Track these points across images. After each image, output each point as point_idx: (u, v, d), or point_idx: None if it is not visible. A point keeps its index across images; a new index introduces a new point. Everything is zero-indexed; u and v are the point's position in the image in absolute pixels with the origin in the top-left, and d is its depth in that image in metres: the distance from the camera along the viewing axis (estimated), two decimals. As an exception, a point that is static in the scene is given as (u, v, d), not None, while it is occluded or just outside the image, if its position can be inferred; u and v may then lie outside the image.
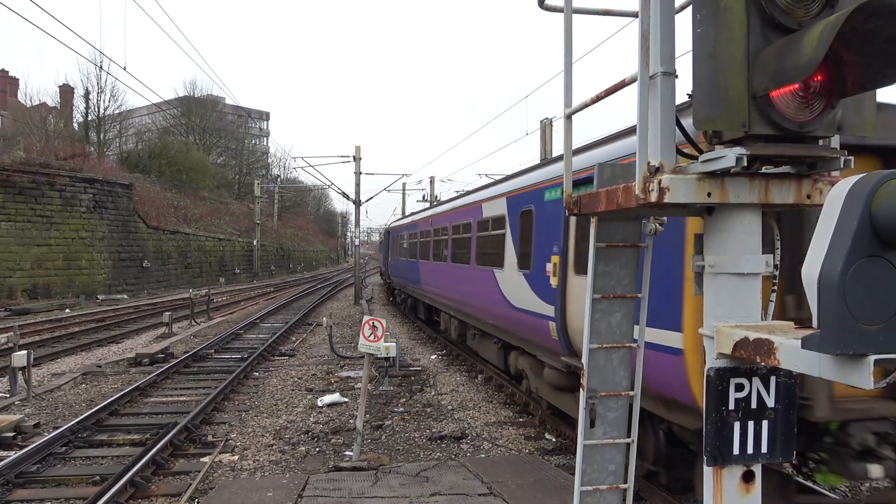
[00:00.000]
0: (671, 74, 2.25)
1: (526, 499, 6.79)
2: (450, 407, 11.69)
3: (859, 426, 5.17)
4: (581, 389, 3.26)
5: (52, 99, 57.64)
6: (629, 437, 3.39)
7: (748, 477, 2.27)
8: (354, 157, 35.34)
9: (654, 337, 5.84)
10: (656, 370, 5.81)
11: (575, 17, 3.13)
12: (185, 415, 10.30)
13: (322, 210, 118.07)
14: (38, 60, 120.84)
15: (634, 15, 2.95)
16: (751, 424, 2.23)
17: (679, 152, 2.34)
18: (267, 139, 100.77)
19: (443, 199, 33.34)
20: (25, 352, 12.12)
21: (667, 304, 5.78)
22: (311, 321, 25.55)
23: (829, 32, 1.82)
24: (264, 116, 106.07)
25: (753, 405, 2.24)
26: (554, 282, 8.54)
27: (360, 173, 35.30)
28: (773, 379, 2.25)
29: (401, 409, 11.44)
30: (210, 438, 9.56)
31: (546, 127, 25.24)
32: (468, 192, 16.84)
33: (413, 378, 14.11)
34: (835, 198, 1.75)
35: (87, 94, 54.45)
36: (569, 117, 3.19)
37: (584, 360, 3.24)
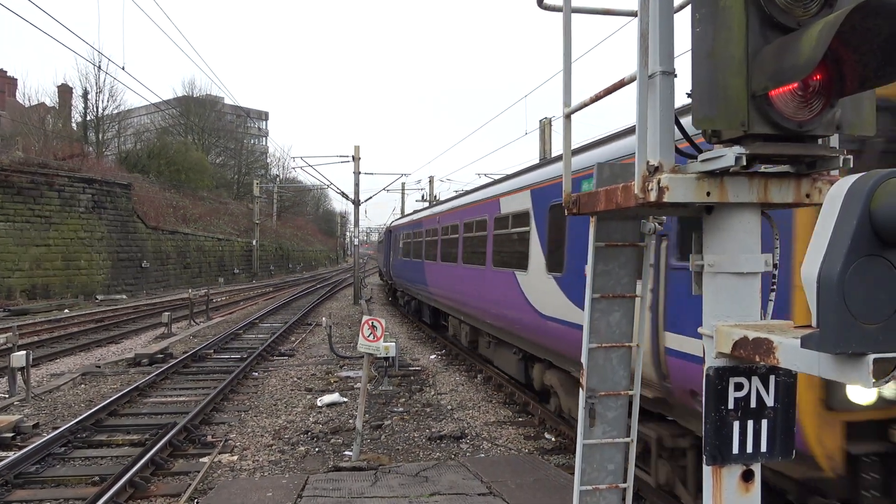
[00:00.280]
0: (670, 74, 2.25)
1: (525, 498, 6.79)
2: (449, 406, 11.69)
3: None
4: (580, 389, 3.26)
5: (50, 99, 57.63)
6: (629, 436, 3.40)
7: (747, 476, 2.27)
8: (353, 157, 35.35)
9: None
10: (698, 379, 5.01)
11: (574, 16, 3.12)
12: (185, 415, 10.29)
13: (321, 210, 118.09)
14: (36, 60, 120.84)
15: (633, 14, 2.95)
16: (750, 424, 2.24)
17: (678, 152, 2.35)
18: (266, 139, 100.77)
19: (442, 198, 32.93)
20: (24, 352, 12.12)
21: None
22: (311, 321, 25.55)
23: (828, 31, 1.82)
24: (263, 116, 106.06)
25: (753, 404, 2.24)
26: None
27: (360, 173, 35.31)
28: (772, 378, 2.25)
29: (400, 409, 11.44)
30: (209, 439, 9.56)
31: (545, 126, 25.24)
32: (482, 187, 15.11)
33: (412, 378, 14.11)
34: (834, 197, 1.75)
35: (85, 94, 54.47)
36: (568, 117, 3.19)
37: (584, 359, 3.24)
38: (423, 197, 50.92)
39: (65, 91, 56.14)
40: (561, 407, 9.47)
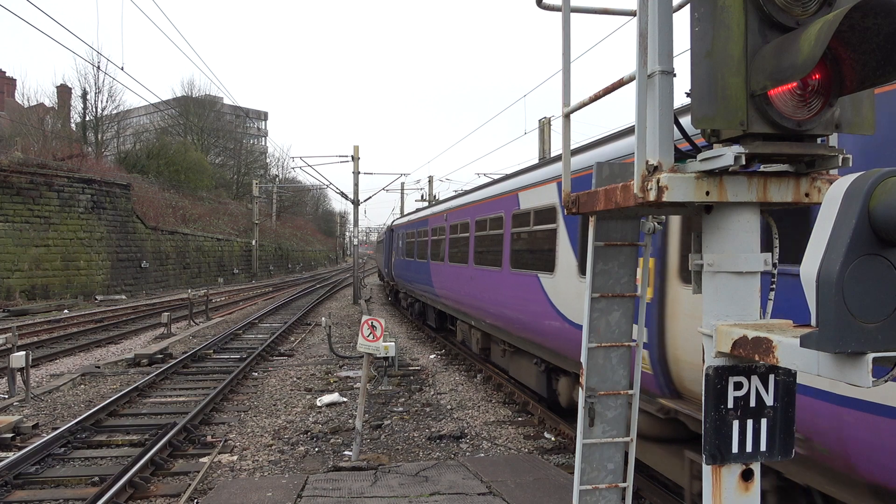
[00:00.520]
0: (669, 73, 2.25)
1: (525, 498, 6.79)
2: (449, 406, 11.69)
3: None
4: (580, 388, 3.26)
5: (49, 99, 57.60)
6: (628, 436, 3.40)
7: (747, 475, 2.27)
8: (353, 157, 35.35)
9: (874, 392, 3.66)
10: (878, 443, 3.78)
11: (573, 15, 3.12)
12: (184, 415, 10.29)
13: (320, 210, 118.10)
14: (35, 61, 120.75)
15: (632, 14, 2.95)
16: (750, 423, 2.24)
17: (678, 151, 2.35)
18: (265, 139, 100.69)
19: (441, 198, 32.54)
20: (24, 352, 12.11)
21: None
22: (310, 321, 25.55)
23: (827, 30, 1.82)
24: (262, 116, 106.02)
25: (752, 403, 2.24)
26: (647, 294, 6.15)
27: (359, 173, 35.30)
28: (771, 377, 2.25)
29: (400, 409, 11.44)
30: (209, 439, 9.55)
31: (545, 126, 25.23)
32: (496, 181, 13.54)
33: (412, 377, 14.11)
34: (833, 196, 1.75)
35: (84, 95, 54.42)
36: (567, 116, 3.19)
37: (583, 358, 3.24)
38: (422, 197, 50.94)
39: (64, 91, 56.11)
40: None
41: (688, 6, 2.27)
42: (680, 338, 5.87)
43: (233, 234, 59.10)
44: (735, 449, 2.22)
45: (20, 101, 58.23)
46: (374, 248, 66.56)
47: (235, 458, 8.81)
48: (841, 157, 2.23)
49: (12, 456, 8.23)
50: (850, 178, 1.74)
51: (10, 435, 9.46)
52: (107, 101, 55.63)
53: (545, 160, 10.39)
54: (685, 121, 2.27)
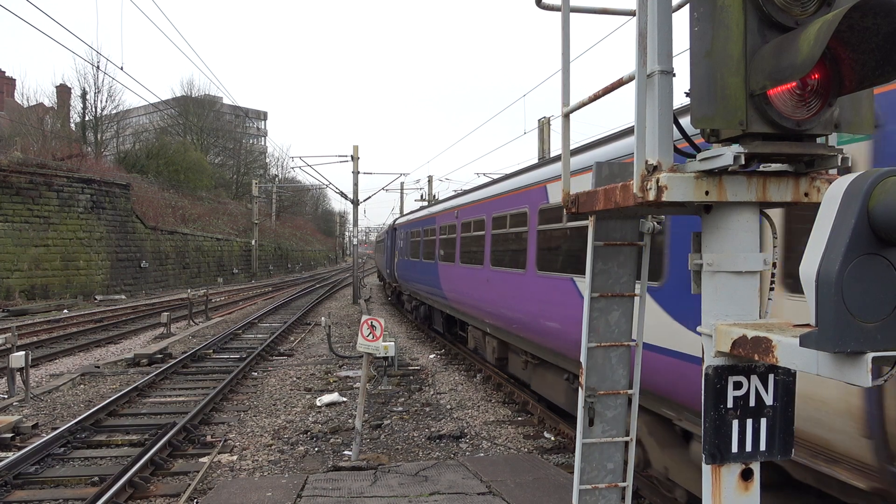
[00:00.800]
0: (669, 73, 2.25)
1: (525, 497, 6.79)
2: (448, 406, 11.69)
3: None
4: (579, 388, 3.26)
5: (49, 99, 57.60)
6: (628, 435, 3.40)
7: (747, 475, 2.27)
8: (352, 157, 35.35)
9: None
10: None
11: (572, 15, 3.12)
12: (184, 415, 10.29)
13: (320, 210, 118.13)
14: (34, 60, 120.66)
15: (632, 13, 2.95)
16: (749, 422, 2.24)
17: (677, 151, 2.35)
18: (265, 139, 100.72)
19: (440, 197, 31.94)
20: (23, 352, 12.11)
21: None
22: (310, 321, 25.55)
23: (826, 30, 1.82)
24: (262, 116, 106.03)
25: (752, 403, 2.24)
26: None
27: (358, 173, 35.30)
28: (771, 377, 2.25)
29: (400, 409, 11.44)
30: (209, 438, 9.55)
31: (544, 125, 25.23)
32: (517, 172, 11.90)
33: (412, 377, 14.11)
34: (832, 196, 1.75)
35: (84, 95, 54.42)
36: (567, 116, 3.19)
37: (583, 358, 3.24)
38: (421, 196, 50.94)
39: (63, 91, 56.09)
40: (650, 462, 6.82)
41: (687, 6, 2.28)
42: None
43: (232, 233, 59.10)
44: (735, 448, 2.23)
45: (20, 101, 58.21)
46: (373, 248, 65.99)
47: (235, 457, 8.81)
48: (840, 156, 2.23)
49: (12, 456, 8.23)
50: (850, 177, 1.74)
51: (10, 435, 9.46)
52: (106, 101, 55.69)
53: (582, 146, 9.01)
54: (685, 121, 2.27)
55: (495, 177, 18.10)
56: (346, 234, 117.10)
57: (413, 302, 23.52)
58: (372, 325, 8.67)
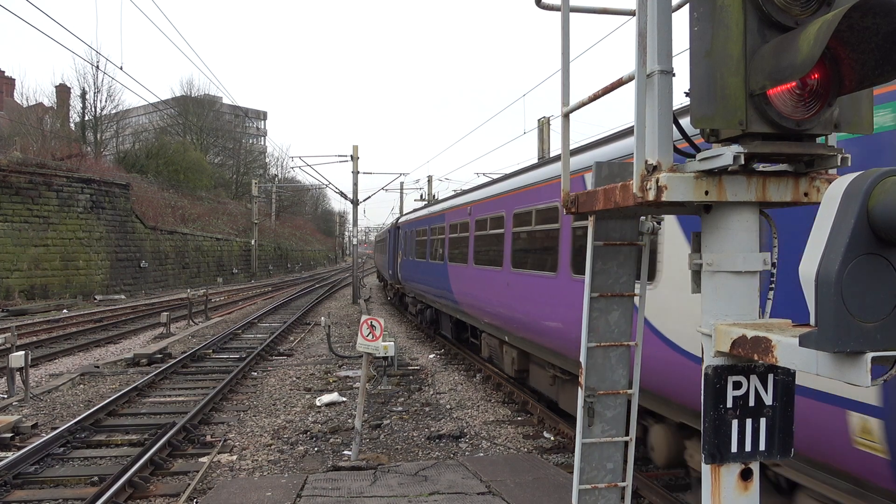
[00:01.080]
0: (668, 73, 2.24)
1: (525, 497, 6.79)
2: (448, 406, 11.69)
3: None
4: (579, 388, 3.26)
5: (48, 99, 57.64)
6: (627, 435, 3.40)
7: (746, 475, 2.27)
8: (352, 157, 35.35)
9: None
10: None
11: (572, 15, 3.12)
12: (184, 415, 10.29)
13: (320, 209, 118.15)
14: (34, 60, 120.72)
15: (631, 13, 2.95)
16: (749, 422, 2.24)
17: (677, 151, 2.35)
18: (264, 139, 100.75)
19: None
20: (23, 352, 12.10)
21: None
22: (310, 321, 25.55)
23: (825, 30, 1.82)
24: (261, 116, 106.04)
25: (751, 403, 2.24)
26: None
27: (358, 172, 35.30)
28: (770, 377, 2.25)
29: (399, 409, 11.44)
30: (208, 438, 9.55)
31: (544, 125, 25.23)
32: (545, 162, 10.60)
33: (411, 377, 14.11)
34: (832, 196, 1.75)
35: (83, 94, 54.45)
36: (566, 116, 3.19)
37: (583, 358, 3.24)
38: (421, 196, 50.89)
39: (63, 91, 56.10)
40: None
41: (687, 6, 2.27)
42: None
43: (232, 233, 59.10)
44: (734, 448, 2.22)
45: (19, 101, 58.22)
46: (373, 247, 65.59)
47: (235, 457, 8.81)
48: (840, 156, 2.23)
49: (11, 456, 8.22)
50: (849, 177, 1.74)
51: (10, 435, 9.45)
52: (106, 101, 55.72)
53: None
54: (685, 121, 2.27)
55: (512, 169, 15.69)
56: (346, 233, 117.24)
57: (418, 305, 22.13)
58: (371, 325, 8.66)
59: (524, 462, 8.13)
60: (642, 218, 3.25)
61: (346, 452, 8.84)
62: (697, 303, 2.29)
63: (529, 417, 10.87)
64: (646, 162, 2.27)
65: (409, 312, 24.72)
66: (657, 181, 2.21)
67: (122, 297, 35.99)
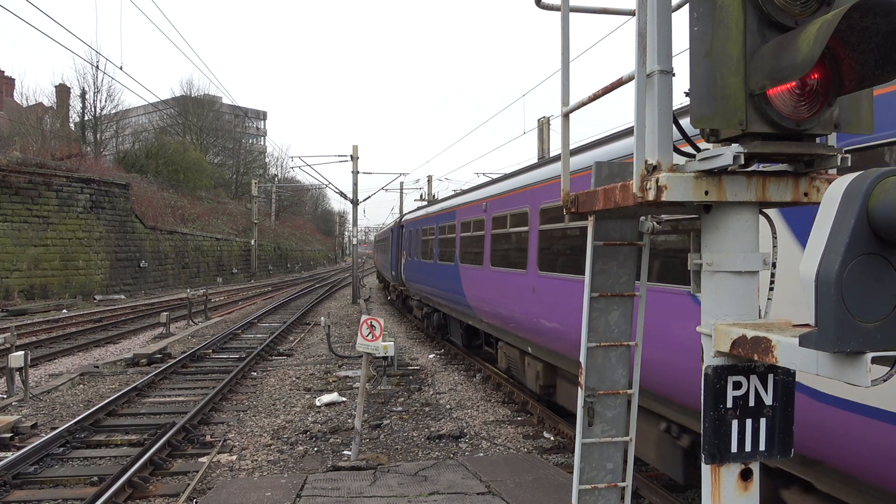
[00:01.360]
0: (668, 73, 2.24)
1: (524, 497, 6.79)
2: (448, 406, 11.69)
3: None
4: (579, 388, 3.26)
5: (48, 99, 57.69)
6: (627, 435, 3.40)
7: (746, 475, 2.27)
8: (352, 157, 35.34)
9: None
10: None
11: (572, 15, 3.12)
12: (183, 415, 10.28)
13: (319, 209, 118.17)
14: (34, 60, 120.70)
15: (631, 13, 2.95)
16: (749, 422, 2.24)
17: (677, 151, 2.35)
18: (264, 138, 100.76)
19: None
20: (23, 352, 12.10)
21: None
22: (309, 321, 25.54)
23: (825, 30, 1.82)
24: (261, 116, 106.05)
25: (751, 403, 2.24)
26: None
27: (358, 172, 35.28)
28: (770, 377, 2.25)
29: (399, 409, 11.44)
30: (208, 438, 9.55)
31: (544, 125, 25.23)
32: (583, 148, 8.41)
33: (411, 377, 14.11)
34: (832, 196, 1.75)
35: (83, 94, 54.46)
36: (566, 116, 3.19)
37: (582, 358, 3.24)
38: (421, 196, 50.88)
39: (63, 91, 56.11)
40: None
41: (687, 6, 2.27)
42: None
43: (232, 233, 59.09)
44: (734, 448, 2.22)
45: (19, 101, 58.23)
46: (373, 247, 65.29)
47: (234, 457, 8.80)
48: (840, 156, 2.23)
49: (11, 456, 8.22)
50: (849, 177, 1.74)
51: (9, 435, 9.45)
52: (105, 101, 55.73)
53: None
54: (685, 121, 2.27)
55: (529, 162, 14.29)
56: (346, 233, 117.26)
57: (424, 308, 20.67)
58: (371, 325, 8.66)
59: (524, 462, 8.13)
60: (642, 218, 3.25)
61: (345, 452, 8.83)
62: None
63: (529, 417, 10.87)
64: (646, 162, 2.27)
65: (414, 317, 23.41)
66: (657, 181, 2.21)
67: (122, 297, 35.99)
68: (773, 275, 2.43)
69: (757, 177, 2.25)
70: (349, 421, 10.31)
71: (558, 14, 3.12)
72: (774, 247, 2.42)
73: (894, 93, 3.76)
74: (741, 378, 2.24)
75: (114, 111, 57.71)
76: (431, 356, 17.12)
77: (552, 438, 9.70)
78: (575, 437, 3.34)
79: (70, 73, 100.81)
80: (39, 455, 8.49)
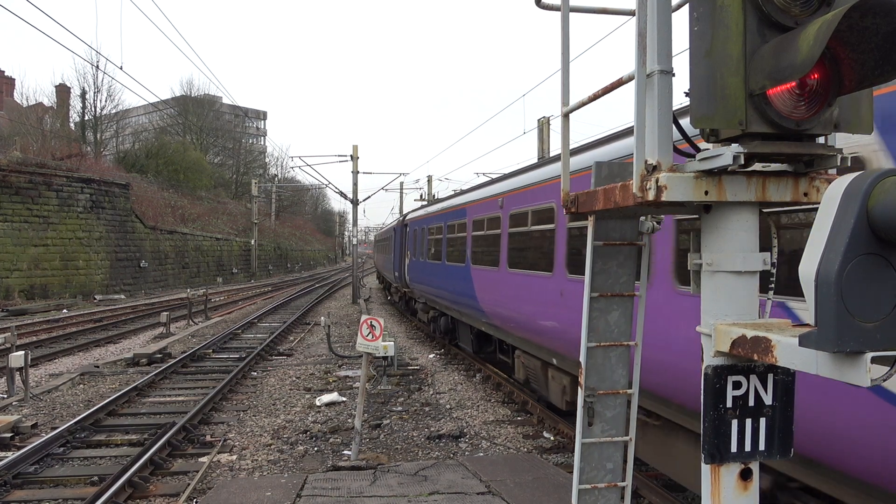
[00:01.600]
0: (668, 73, 2.24)
1: (524, 497, 6.79)
2: (448, 406, 11.69)
3: None
4: (579, 388, 3.26)
5: (48, 99, 57.69)
6: (627, 435, 3.40)
7: (746, 475, 2.27)
8: (352, 157, 35.34)
9: None
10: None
11: (572, 15, 3.12)
12: (183, 415, 10.29)
13: (319, 209, 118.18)
14: (34, 60, 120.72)
15: (631, 13, 2.95)
16: (748, 422, 2.24)
17: (677, 151, 2.35)
18: (264, 138, 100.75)
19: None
20: (23, 352, 12.10)
21: None
22: (309, 320, 25.55)
23: (825, 30, 1.82)
24: (261, 116, 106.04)
25: (751, 403, 2.24)
26: None
27: (358, 172, 35.28)
28: (770, 377, 2.25)
29: (399, 409, 11.44)
30: (208, 438, 9.55)
31: (543, 125, 25.23)
32: (616, 136, 7.87)
33: (411, 377, 14.11)
34: (832, 196, 1.75)
35: (83, 94, 54.48)
36: (566, 116, 3.19)
37: (582, 358, 3.24)
38: (421, 196, 50.88)
39: (63, 91, 56.11)
40: None
41: (687, 6, 2.27)
42: None
43: (232, 233, 59.10)
44: (734, 448, 2.22)
45: (19, 101, 58.23)
46: (373, 247, 65.02)
47: (235, 457, 8.81)
48: (839, 156, 2.23)
49: (11, 456, 8.22)
50: (849, 177, 1.74)
51: (9, 434, 9.45)
52: (106, 101, 55.74)
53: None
54: (685, 121, 2.27)
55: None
56: (346, 233, 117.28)
57: (430, 312, 19.50)
58: (371, 325, 8.67)
59: (524, 462, 8.13)
60: (642, 218, 3.25)
61: (345, 452, 8.84)
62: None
63: (529, 417, 10.87)
64: (646, 162, 2.27)
65: (420, 320, 22.23)
66: (657, 181, 2.21)
67: (122, 296, 35.99)
68: (772, 274, 2.43)
69: (757, 177, 2.25)
70: (349, 421, 10.31)
71: (558, 14, 3.12)
72: (774, 247, 2.42)
73: (894, 93, 3.78)
74: (741, 378, 2.24)
75: (114, 111, 57.79)
76: (431, 356, 17.12)
77: (552, 438, 9.71)
78: (575, 437, 3.34)
79: (70, 72, 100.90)
80: (40, 455, 8.50)
